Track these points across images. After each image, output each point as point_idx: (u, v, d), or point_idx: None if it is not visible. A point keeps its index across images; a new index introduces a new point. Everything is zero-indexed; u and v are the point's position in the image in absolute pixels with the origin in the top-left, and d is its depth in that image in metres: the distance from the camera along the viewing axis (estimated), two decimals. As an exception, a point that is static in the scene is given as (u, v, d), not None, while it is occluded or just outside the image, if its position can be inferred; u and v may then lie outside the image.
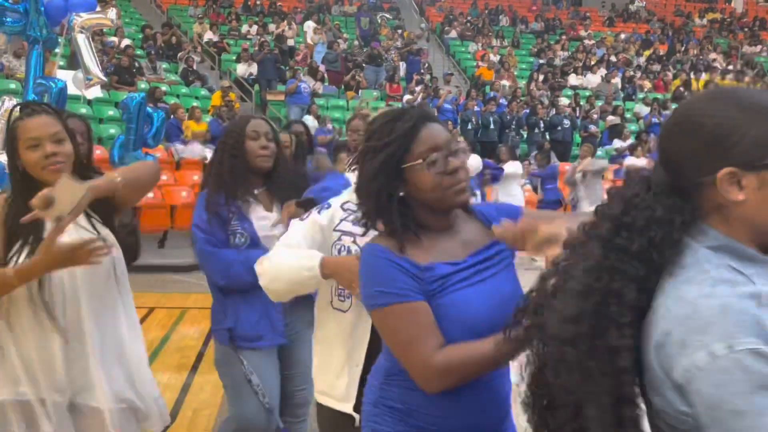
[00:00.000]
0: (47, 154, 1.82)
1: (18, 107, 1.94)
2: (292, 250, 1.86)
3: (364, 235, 1.59)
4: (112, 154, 7.54)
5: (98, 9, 7.60)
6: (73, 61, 9.43)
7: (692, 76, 17.34)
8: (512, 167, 9.14)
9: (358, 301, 1.81)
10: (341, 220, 1.91)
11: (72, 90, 7.63)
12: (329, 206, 1.94)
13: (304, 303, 2.42)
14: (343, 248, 1.91)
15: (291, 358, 2.59)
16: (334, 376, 1.95)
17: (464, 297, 1.40)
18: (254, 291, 2.25)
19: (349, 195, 1.90)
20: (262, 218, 2.46)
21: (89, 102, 10.67)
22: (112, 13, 8.48)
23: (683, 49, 19.79)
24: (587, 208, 9.07)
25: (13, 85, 9.99)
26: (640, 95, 16.42)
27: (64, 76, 7.62)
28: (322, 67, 15.08)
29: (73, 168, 2.54)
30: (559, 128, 13.18)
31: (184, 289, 6.98)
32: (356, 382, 1.89)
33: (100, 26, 7.72)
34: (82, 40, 7.33)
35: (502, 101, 14.17)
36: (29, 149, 1.83)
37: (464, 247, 1.48)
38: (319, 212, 1.94)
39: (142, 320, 5.73)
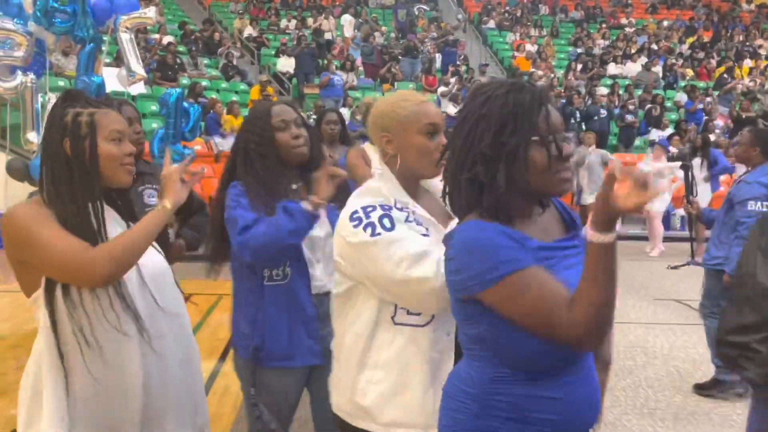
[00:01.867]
0: (128, 152, 1.72)
1: (65, 96, 1.73)
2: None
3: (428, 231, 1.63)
4: (152, 147, 7.87)
5: (140, 8, 7.93)
6: (119, 59, 9.81)
7: (736, 63, 16.93)
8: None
9: (439, 311, 1.63)
10: (407, 221, 1.67)
11: (116, 86, 8.01)
12: (389, 206, 1.68)
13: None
14: None
15: (325, 377, 2.18)
16: (416, 402, 1.66)
17: (565, 277, 1.34)
18: (287, 302, 2.11)
19: (382, 196, 1.70)
20: None
21: (133, 98, 11.08)
22: (152, 11, 8.77)
23: (728, 35, 19.30)
24: (590, 198, 9.08)
25: (61, 83, 10.45)
26: (681, 83, 16.13)
27: (109, 73, 7.99)
28: (358, 60, 15.28)
29: (139, 155, 2.65)
30: (596, 118, 13.07)
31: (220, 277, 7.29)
32: None
33: (142, 24, 8.05)
34: (126, 38, 7.67)
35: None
36: (112, 142, 1.69)
37: (545, 235, 1.43)
38: (390, 211, 1.66)
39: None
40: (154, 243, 1.79)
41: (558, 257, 1.39)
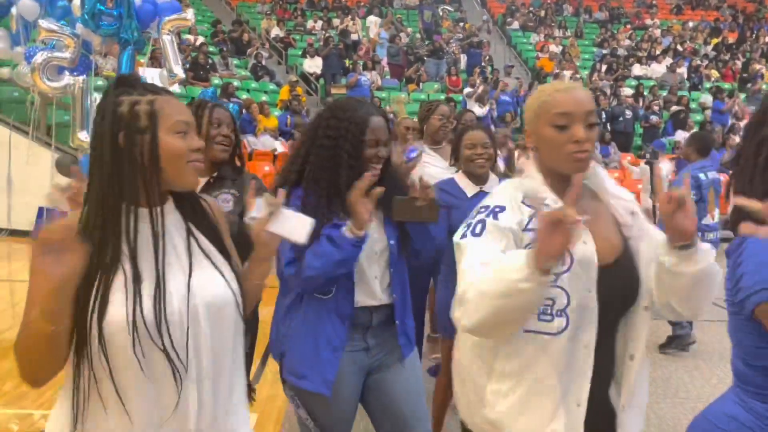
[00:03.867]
0: (195, 148, 1.40)
1: (118, 81, 1.41)
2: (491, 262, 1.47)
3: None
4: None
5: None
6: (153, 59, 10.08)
7: (764, 64, 16.89)
8: None
9: (576, 318, 1.51)
10: (530, 219, 1.56)
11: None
12: (503, 208, 1.58)
13: (386, 324, 2.11)
14: None
15: (380, 400, 2.12)
16: (543, 421, 1.53)
17: None
18: (322, 318, 2.00)
19: (520, 190, 1.61)
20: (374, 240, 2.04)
21: (168, 97, 11.41)
22: (190, 13, 9.06)
23: (753, 36, 19.22)
24: None
25: (100, 82, 10.76)
26: (707, 85, 16.13)
27: (151, 74, 8.28)
28: (384, 61, 15.48)
29: (228, 159, 2.59)
30: (621, 119, 13.17)
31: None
32: (579, 427, 1.53)
33: (182, 26, 8.33)
34: (168, 40, 7.95)
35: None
36: (176, 134, 1.37)
37: None
38: (494, 217, 1.56)
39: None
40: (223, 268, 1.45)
41: None
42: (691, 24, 20.12)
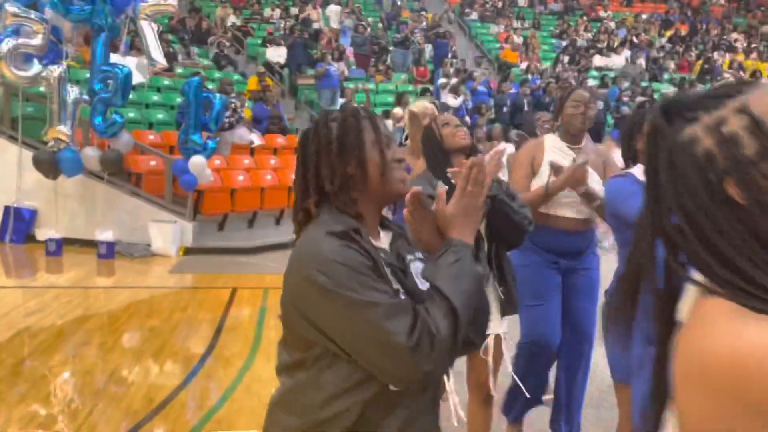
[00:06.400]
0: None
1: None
2: None
3: None
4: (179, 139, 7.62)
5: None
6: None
7: (715, 55, 17.37)
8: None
9: None
10: None
11: (136, 78, 7.71)
12: None
13: None
14: None
15: None
16: None
17: None
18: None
19: None
20: None
21: (133, 87, 10.72)
22: (174, -1, 8.43)
23: (704, 28, 19.79)
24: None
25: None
26: (666, 76, 16.46)
27: (127, 62, 7.69)
28: (349, 51, 15.10)
29: None
30: (592, 110, 13.24)
31: (241, 270, 7.15)
32: None
33: (162, 12, 7.77)
34: (146, 26, 7.40)
35: (536, 82, 14.22)
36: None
37: None
38: None
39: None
40: None
41: None
42: (644, 16, 20.54)
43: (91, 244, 7.47)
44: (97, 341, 4.77)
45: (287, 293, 1.31)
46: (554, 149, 2.93)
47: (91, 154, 7.28)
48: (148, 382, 4.00)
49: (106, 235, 7.37)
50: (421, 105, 3.62)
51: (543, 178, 2.86)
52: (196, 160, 7.06)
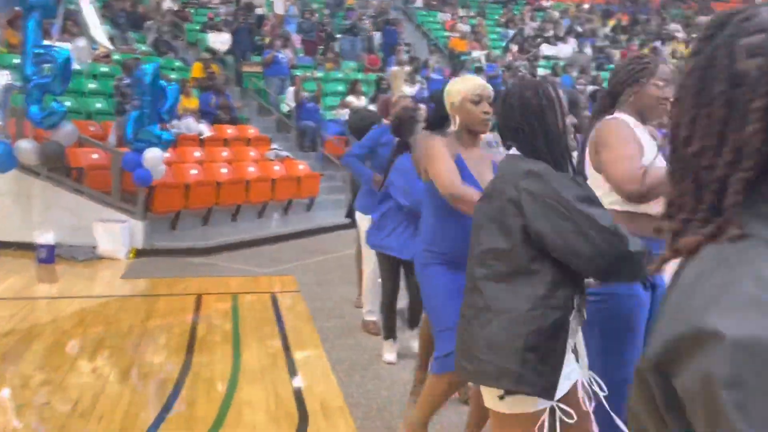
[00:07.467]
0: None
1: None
2: None
3: None
4: (126, 130, 6.94)
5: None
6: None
7: (658, 45, 17.64)
8: None
9: None
10: None
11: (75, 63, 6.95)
12: None
13: None
14: None
15: None
16: None
17: None
18: None
19: None
20: None
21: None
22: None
23: (646, 19, 20.12)
24: None
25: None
26: (610, 66, 16.58)
27: (62, 46, 6.92)
28: (295, 37, 14.47)
29: None
30: (545, 99, 13.12)
31: (200, 273, 6.54)
32: None
33: (105, -10, 7.01)
34: (86, 5, 6.68)
35: (489, 71, 14.00)
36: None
37: None
38: None
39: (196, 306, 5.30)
40: None
41: None
42: (585, 6, 20.71)
43: (29, 247, 6.72)
44: (51, 364, 4.14)
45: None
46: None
47: (26, 147, 6.51)
48: (119, 415, 3.43)
49: (45, 238, 6.64)
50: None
51: (649, 156, 2.25)
52: (153, 154, 6.39)
